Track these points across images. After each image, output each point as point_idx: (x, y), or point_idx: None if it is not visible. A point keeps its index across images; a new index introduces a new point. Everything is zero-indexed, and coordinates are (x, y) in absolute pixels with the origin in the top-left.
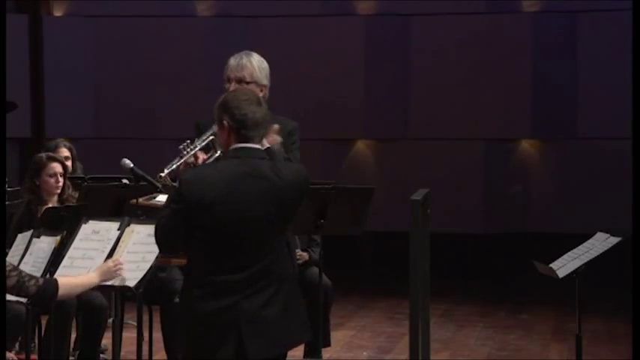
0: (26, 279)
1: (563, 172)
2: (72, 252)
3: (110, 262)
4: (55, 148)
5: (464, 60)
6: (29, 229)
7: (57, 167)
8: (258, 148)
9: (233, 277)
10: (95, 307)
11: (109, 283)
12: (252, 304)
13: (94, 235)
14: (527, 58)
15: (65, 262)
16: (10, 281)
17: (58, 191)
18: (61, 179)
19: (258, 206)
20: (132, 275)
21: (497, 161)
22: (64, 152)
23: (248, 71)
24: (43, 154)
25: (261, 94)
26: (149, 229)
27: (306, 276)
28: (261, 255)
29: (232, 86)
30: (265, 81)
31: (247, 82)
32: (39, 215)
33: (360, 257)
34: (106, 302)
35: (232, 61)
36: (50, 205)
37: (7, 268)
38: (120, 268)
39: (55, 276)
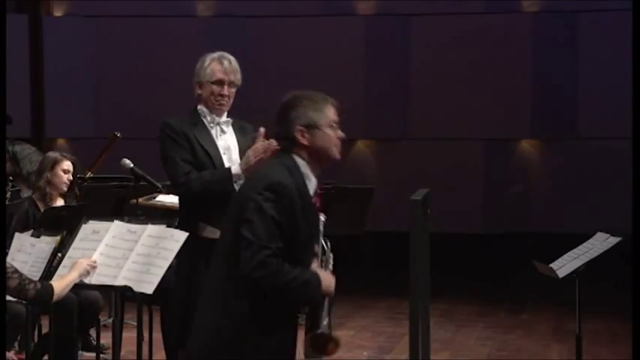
0: (26, 282)
1: (563, 172)
2: (72, 252)
3: (84, 260)
4: None
5: (464, 60)
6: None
7: (70, 166)
8: None
9: None
10: (89, 303)
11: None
12: None
13: (94, 235)
14: (527, 58)
15: (65, 261)
16: (12, 282)
17: (66, 189)
18: (70, 178)
19: None
20: (141, 278)
21: (497, 161)
22: None
23: (238, 75)
24: (57, 153)
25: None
26: (158, 232)
27: None
28: None
29: (226, 89)
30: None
31: (235, 86)
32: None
33: (360, 257)
34: (75, 299)
35: (225, 63)
36: (53, 203)
37: (9, 270)
38: (93, 267)
39: (55, 276)
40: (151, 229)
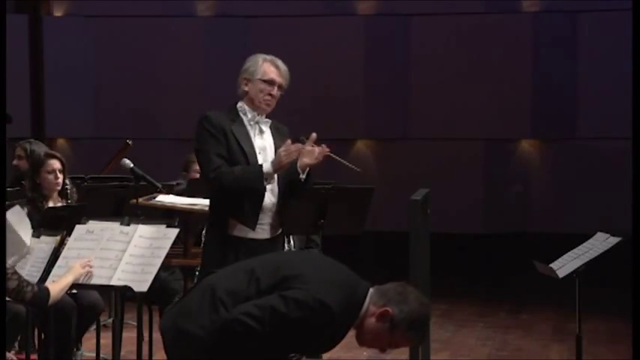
0: (24, 284)
1: (563, 172)
2: (66, 252)
3: (78, 263)
4: None
5: (464, 60)
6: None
7: (55, 164)
8: None
9: None
10: (89, 306)
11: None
12: None
13: (88, 235)
14: (527, 58)
15: (60, 262)
16: (11, 284)
17: (59, 187)
18: (60, 175)
19: None
20: (137, 277)
21: (497, 161)
22: None
23: (287, 81)
24: (42, 152)
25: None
26: (150, 232)
27: None
28: None
29: (275, 90)
30: None
31: (283, 90)
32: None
33: (360, 257)
34: (72, 303)
35: (280, 66)
36: (52, 203)
37: (9, 272)
38: (89, 268)
39: (50, 277)
40: (143, 229)
